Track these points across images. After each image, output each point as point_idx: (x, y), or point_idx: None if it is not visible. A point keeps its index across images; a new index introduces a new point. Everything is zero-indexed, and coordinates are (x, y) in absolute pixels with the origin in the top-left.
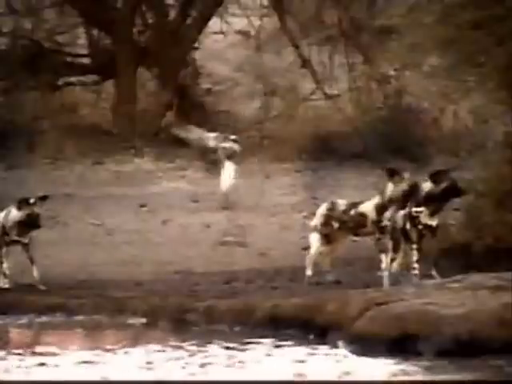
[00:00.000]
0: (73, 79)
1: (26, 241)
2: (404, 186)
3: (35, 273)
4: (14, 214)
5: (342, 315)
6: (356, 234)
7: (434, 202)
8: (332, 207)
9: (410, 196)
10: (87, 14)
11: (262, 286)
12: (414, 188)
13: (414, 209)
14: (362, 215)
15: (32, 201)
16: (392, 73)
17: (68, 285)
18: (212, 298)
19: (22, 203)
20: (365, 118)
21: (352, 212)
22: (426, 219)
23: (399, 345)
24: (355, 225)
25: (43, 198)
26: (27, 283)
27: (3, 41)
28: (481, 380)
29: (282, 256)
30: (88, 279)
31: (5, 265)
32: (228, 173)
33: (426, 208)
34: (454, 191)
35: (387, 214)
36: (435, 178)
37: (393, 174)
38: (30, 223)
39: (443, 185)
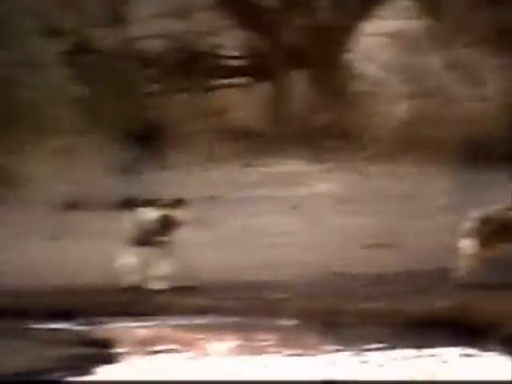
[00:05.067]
0: (225, 81)
1: (165, 240)
2: None
3: (165, 272)
4: (152, 214)
5: (495, 318)
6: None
7: None
8: (490, 213)
9: None
10: (241, 16)
11: (413, 288)
12: None
13: None
14: None
15: (167, 202)
16: None
17: (220, 287)
18: (364, 301)
19: (156, 203)
20: None
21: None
22: None
23: None
24: None
25: (180, 201)
26: (182, 285)
27: (156, 43)
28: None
29: (434, 257)
30: (239, 281)
31: (158, 266)
32: None
33: None
34: None
35: None
36: None
37: None
38: (165, 223)
39: None
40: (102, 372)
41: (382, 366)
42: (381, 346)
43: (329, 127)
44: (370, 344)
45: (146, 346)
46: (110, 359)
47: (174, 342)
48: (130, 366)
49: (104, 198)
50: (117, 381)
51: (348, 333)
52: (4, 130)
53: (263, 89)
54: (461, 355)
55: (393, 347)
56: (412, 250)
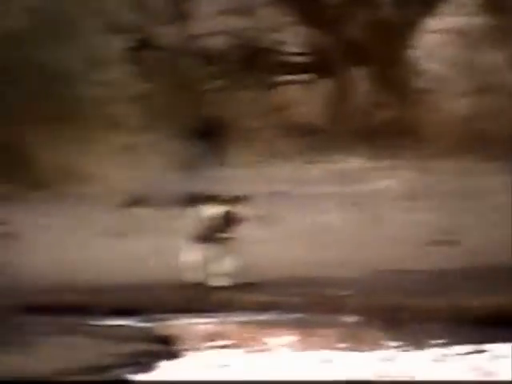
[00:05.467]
0: (287, 77)
1: (226, 236)
2: None
3: (227, 269)
4: (214, 210)
5: None
6: None
7: None
8: None
9: None
10: (303, 12)
11: (475, 285)
12: None
13: None
14: None
15: (228, 198)
16: None
17: (281, 283)
18: (425, 297)
19: (218, 200)
20: None
21: None
22: None
23: None
24: None
25: (241, 198)
26: (244, 282)
27: (218, 40)
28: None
29: (497, 253)
30: (301, 278)
31: (221, 263)
32: None
33: None
34: None
35: None
36: None
37: None
38: (227, 220)
39: None
40: (164, 368)
41: (441, 361)
42: (441, 342)
43: (390, 124)
44: (430, 340)
45: (208, 343)
46: (172, 355)
47: (236, 338)
48: (192, 362)
49: (167, 195)
50: (180, 381)
51: (409, 329)
52: (66, 126)
53: (325, 85)
54: None
55: (453, 343)
56: (474, 246)
